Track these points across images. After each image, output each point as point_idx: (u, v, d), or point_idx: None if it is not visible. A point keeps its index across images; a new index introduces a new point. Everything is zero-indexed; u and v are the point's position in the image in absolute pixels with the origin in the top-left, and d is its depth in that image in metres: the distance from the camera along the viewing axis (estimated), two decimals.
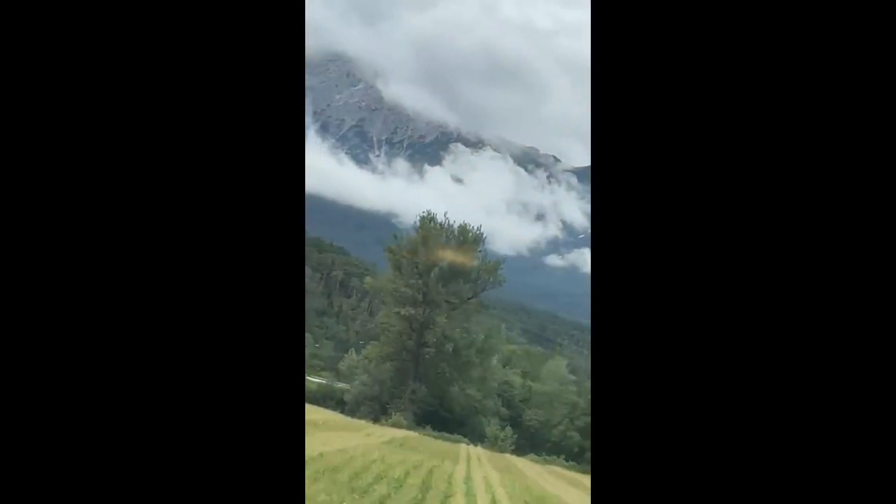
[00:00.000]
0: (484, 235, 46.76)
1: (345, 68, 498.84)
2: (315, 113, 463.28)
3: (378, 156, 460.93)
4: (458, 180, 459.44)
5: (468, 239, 45.30)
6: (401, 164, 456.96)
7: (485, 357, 46.04)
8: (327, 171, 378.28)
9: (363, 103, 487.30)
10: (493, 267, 46.26)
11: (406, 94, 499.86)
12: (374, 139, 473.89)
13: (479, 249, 46.27)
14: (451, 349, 42.92)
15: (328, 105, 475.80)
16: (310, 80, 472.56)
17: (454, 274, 44.63)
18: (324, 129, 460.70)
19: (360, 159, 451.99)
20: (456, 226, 45.36)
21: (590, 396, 34.94)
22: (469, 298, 45.31)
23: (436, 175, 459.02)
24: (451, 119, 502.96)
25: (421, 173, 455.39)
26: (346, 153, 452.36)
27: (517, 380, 48.62)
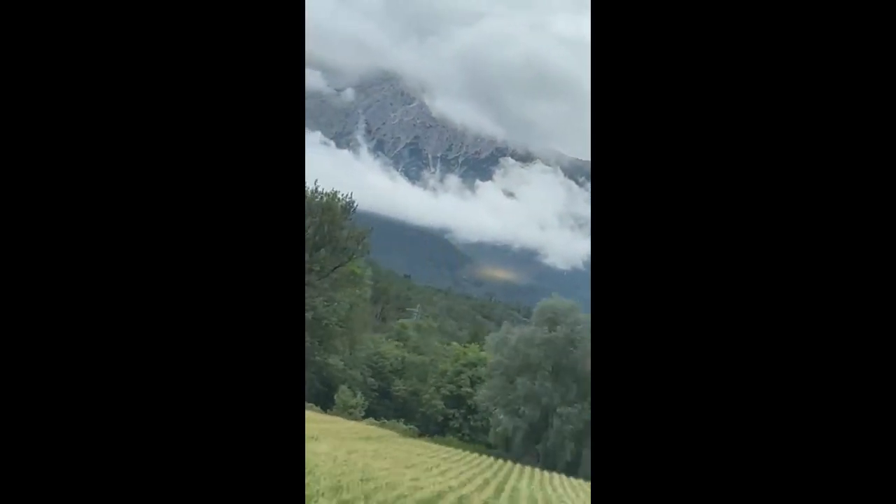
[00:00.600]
0: (355, 204, 45.88)
1: (398, 87, 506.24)
2: (369, 132, 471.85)
3: (433, 172, 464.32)
4: (510, 194, 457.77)
5: (336, 206, 44.54)
6: (452, 179, 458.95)
7: (350, 327, 45.03)
8: (379, 188, 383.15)
9: (418, 121, 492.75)
10: (361, 235, 45.32)
11: (453, 108, 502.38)
12: (430, 156, 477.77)
13: (348, 218, 45.40)
14: (310, 317, 42.09)
15: (383, 123, 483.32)
16: (364, 100, 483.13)
17: (321, 242, 43.92)
18: (378, 148, 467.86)
19: (413, 176, 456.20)
20: (323, 193, 44.69)
21: (459, 362, 33.77)
22: (335, 268, 44.50)
23: (487, 190, 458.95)
24: (498, 133, 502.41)
25: (473, 188, 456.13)
26: (400, 171, 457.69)
27: (394, 351, 47.36)
